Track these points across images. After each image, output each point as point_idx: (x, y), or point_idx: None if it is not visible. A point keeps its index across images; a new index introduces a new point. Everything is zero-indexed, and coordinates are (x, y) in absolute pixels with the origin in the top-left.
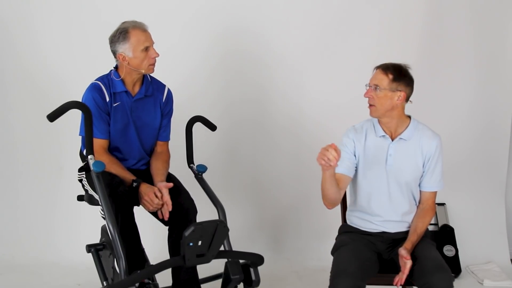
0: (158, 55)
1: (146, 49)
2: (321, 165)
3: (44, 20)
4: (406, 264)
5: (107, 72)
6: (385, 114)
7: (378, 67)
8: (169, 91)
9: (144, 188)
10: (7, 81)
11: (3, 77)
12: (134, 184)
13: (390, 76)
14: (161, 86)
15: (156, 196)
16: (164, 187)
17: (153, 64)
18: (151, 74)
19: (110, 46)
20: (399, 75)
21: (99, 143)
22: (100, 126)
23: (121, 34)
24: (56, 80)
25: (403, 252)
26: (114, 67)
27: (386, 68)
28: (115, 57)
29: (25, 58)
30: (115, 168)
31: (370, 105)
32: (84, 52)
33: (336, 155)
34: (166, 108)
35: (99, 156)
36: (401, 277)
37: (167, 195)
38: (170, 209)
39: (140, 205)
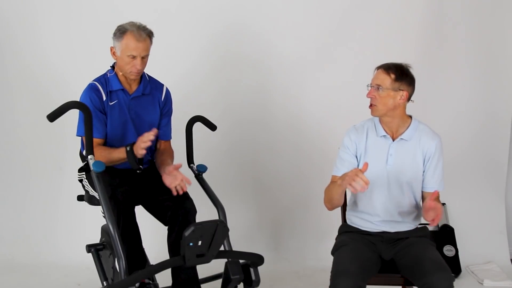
0: (140, 68)
1: (133, 57)
2: (348, 187)
3: (45, 19)
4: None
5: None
6: (387, 113)
7: (379, 67)
8: (167, 90)
9: (136, 143)
10: (8, 81)
11: (4, 76)
12: (128, 148)
13: (392, 76)
14: (159, 85)
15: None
16: (174, 168)
17: (135, 73)
18: (149, 73)
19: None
20: (401, 74)
21: (95, 142)
22: (95, 126)
23: (119, 32)
24: (56, 80)
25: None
26: (111, 66)
27: (388, 68)
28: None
29: (26, 57)
30: (104, 153)
31: (372, 105)
32: (84, 51)
33: (367, 181)
34: (165, 107)
35: (96, 152)
36: (438, 214)
37: (180, 174)
38: (189, 182)
39: (140, 205)
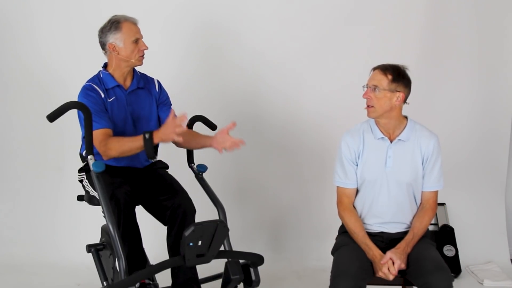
0: (147, 48)
1: (136, 41)
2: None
3: (45, 19)
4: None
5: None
6: (383, 115)
7: (376, 68)
8: (158, 81)
9: (161, 130)
10: (7, 81)
11: (4, 76)
12: (147, 135)
13: (389, 77)
14: (150, 79)
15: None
16: (227, 131)
17: (142, 56)
18: (139, 70)
19: (100, 38)
20: (398, 75)
21: (104, 132)
22: (102, 117)
23: (113, 25)
24: (56, 80)
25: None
26: (102, 66)
27: (385, 68)
28: (103, 49)
29: (26, 57)
30: (122, 141)
31: (369, 106)
32: (85, 51)
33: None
34: (162, 96)
35: (107, 143)
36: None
37: (230, 138)
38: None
39: (141, 205)
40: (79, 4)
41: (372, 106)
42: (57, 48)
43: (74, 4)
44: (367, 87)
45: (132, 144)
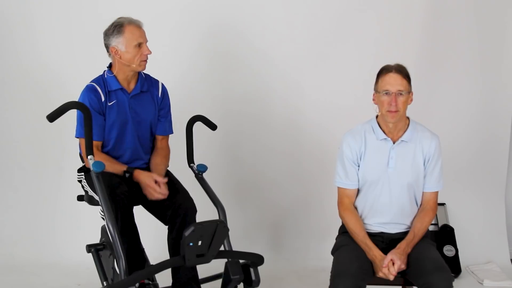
0: (150, 52)
1: (139, 45)
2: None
3: (44, 19)
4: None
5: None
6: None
7: (390, 71)
8: (163, 85)
9: (143, 177)
10: (7, 81)
11: (3, 76)
12: (127, 174)
13: (407, 79)
14: (154, 81)
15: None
16: (159, 178)
17: (145, 61)
18: (144, 71)
19: (104, 40)
20: (409, 75)
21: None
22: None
23: (115, 28)
24: (56, 80)
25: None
26: (107, 67)
27: (400, 71)
28: (107, 51)
29: (26, 57)
30: (107, 163)
31: (393, 111)
32: (84, 51)
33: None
34: (163, 102)
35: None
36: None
37: (164, 187)
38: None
39: (140, 205)
40: (79, 5)
41: (397, 111)
42: (57, 49)
43: (74, 6)
44: (389, 94)
45: (112, 168)
